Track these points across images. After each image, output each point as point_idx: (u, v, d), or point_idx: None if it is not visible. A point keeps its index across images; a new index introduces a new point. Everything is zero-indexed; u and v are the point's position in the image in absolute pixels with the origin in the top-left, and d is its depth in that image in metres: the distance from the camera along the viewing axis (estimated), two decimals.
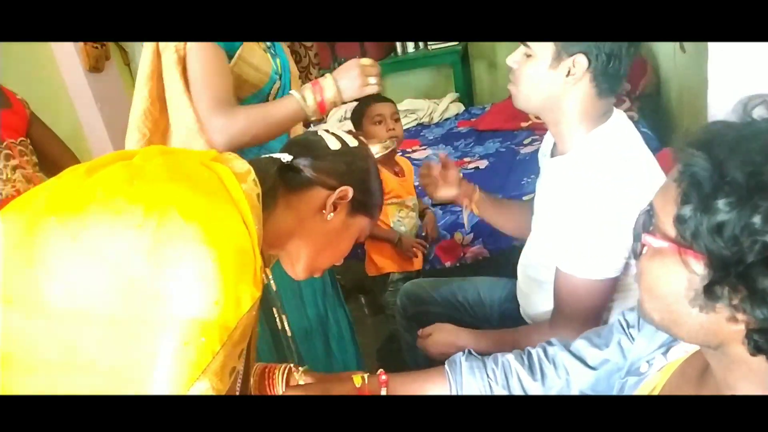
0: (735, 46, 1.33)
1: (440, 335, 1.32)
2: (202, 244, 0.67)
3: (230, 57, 1.22)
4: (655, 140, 2.34)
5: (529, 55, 1.09)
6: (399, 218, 1.94)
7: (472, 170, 2.48)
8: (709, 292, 0.54)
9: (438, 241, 2.13)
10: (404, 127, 3.20)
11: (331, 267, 1.06)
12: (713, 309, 0.55)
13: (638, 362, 0.77)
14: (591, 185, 1.06)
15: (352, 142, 0.92)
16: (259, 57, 1.27)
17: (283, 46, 1.39)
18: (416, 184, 2.34)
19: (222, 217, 0.71)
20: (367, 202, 0.93)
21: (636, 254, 0.62)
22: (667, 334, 0.72)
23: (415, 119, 3.29)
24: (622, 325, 0.85)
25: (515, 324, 1.31)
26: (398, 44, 3.56)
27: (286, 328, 0.96)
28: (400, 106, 3.30)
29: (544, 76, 1.08)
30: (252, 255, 0.71)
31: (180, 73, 1.18)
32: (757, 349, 0.54)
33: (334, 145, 0.90)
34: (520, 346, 1.16)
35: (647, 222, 0.61)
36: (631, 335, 0.82)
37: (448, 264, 2.12)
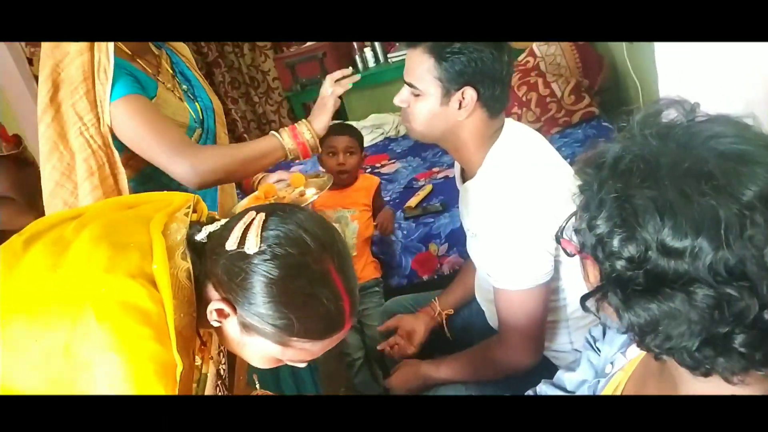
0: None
1: (403, 370, 1.37)
2: (111, 351, 0.66)
3: None
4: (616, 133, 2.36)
5: (417, 95, 1.10)
6: None
7: (442, 179, 2.48)
8: (581, 302, 0.60)
9: (414, 255, 2.12)
10: (371, 142, 3.21)
11: None
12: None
13: (604, 365, 0.79)
14: (500, 201, 1.10)
15: (252, 248, 0.70)
16: (174, 107, 1.23)
17: (204, 86, 1.37)
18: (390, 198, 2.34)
19: (140, 313, 0.68)
20: (260, 328, 0.72)
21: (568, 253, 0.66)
22: (623, 336, 0.76)
23: (382, 134, 3.29)
24: (589, 342, 0.86)
25: (493, 334, 1.31)
26: (358, 60, 3.56)
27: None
28: (366, 122, 3.30)
29: (437, 112, 1.10)
30: (170, 358, 0.68)
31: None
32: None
33: (231, 243, 0.72)
34: (476, 363, 1.24)
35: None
36: (597, 349, 0.83)
37: (425, 277, 2.11)
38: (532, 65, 2.67)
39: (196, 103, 1.30)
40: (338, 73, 1.23)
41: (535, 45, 2.70)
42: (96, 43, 1.12)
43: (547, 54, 2.66)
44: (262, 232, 0.72)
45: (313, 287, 0.71)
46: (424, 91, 1.09)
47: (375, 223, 2.11)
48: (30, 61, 2.76)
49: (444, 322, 1.47)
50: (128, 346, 0.67)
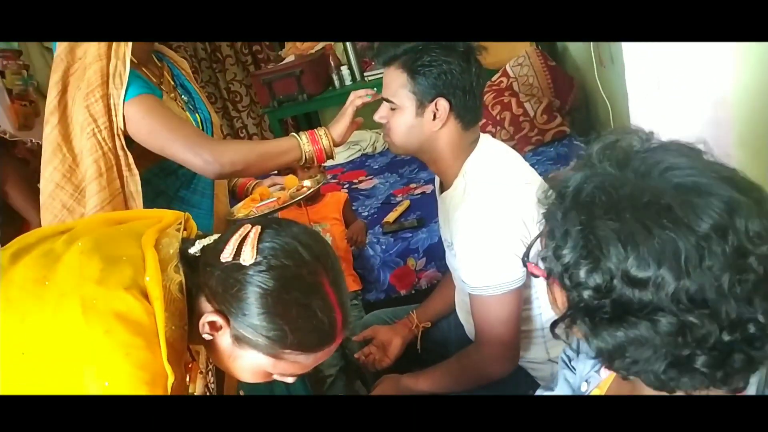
0: (649, 56, 1.41)
1: (384, 385, 1.38)
2: (101, 361, 0.67)
3: None
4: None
5: (393, 108, 1.17)
6: None
7: (419, 195, 2.52)
8: (551, 329, 0.61)
9: (392, 269, 2.14)
10: (349, 159, 3.24)
11: None
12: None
13: (579, 383, 0.81)
14: (472, 208, 1.14)
15: (248, 259, 0.71)
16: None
17: (203, 99, 1.39)
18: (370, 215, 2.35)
19: (132, 324, 0.69)
20: (253, 340, 0.72)
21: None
22: None
23: (359, 150, 3.32)
24: (564, 362, 0.88)
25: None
26: (335, 78, 3.59)
27: None
28: None
29: (413, 124, 1.16)
30: (161, 368, 0.69)
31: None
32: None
33: (226, 255, 0.72)
34: (455, 373, 1.25)
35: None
36: (573, 367, 0.86)
37: (403, 292, 2.12)
38: (506, 85, 2.74)
39: (197, 115, 1.33)
40: (362, 92, 1.29)
41: (508, 66, 2.78)
42: (114, 49, 1.14)
43: (520, 75, 2.74)
44: (258, 244, 0.72)
45: (307, 299, 0.72)
46: (400, 105, 1.16)
47: (346, 237, 2.13)
48: (2, 74, 2.73)
49: (419, 335, 1.49)
50: (119, 355, 0.67)
